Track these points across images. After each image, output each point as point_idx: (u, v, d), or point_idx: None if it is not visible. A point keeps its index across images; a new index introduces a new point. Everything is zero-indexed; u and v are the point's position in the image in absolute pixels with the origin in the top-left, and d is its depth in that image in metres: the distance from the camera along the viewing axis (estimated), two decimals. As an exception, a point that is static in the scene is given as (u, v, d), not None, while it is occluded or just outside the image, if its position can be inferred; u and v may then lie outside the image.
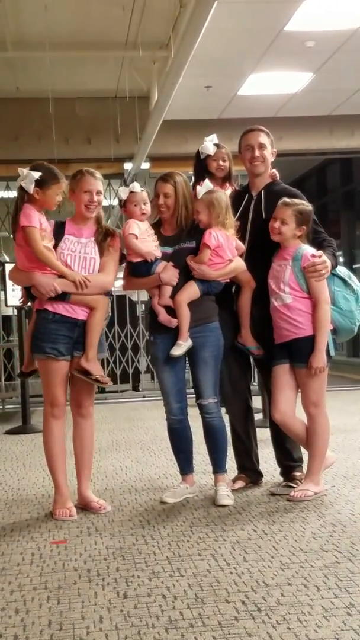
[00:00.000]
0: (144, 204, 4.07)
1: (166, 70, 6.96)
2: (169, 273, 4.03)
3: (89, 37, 7.66)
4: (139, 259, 4.06)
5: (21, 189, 3.92)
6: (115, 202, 10.71)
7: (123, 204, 4.13)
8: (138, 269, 4.10)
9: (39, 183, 3.88)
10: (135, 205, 4.06)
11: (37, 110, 9.14)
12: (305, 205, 4.09)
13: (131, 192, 4.07)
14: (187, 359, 4.15)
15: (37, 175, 3.87)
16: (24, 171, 3.91)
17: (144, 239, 4.04)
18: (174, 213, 4.08)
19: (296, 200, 4.08)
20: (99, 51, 7.90)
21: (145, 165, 9.76)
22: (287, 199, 4.08)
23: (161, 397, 4.28)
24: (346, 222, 14.60)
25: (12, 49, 7.54)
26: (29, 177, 3.87)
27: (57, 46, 7.62)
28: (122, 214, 4.24)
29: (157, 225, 4.17)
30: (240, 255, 4.15)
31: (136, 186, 4.10)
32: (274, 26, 7.02)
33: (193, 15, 5.51)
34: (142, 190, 4.09)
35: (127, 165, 9.85)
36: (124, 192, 4.09)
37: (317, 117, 9.88)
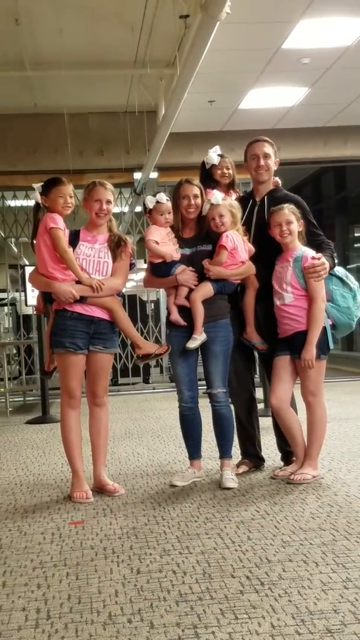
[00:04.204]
0: (168, 213, 4.09)
1: (172, 86, 6.96)
2: (186, 276, 4.05)
3: (100, 57, 7.67)
4: (159, 260, 4.08)
5: (36, 203, 4.08)
6: (126, 209, 10.79)
7: (148, 212, 4.13)
8: (158, 270, 4.12)
9: (43, 192, 4.00)
10: (161, 215, 4.08)
11: (54, 125, 9.16)
12: (292, 202, 4.13)
13: (158, 202, 4.09)
14: (199, 351, 4.16)
15: (39, 186, 4.02)
16: (34, 185, 4.07)
17: (165, 243, 4.07)
18: (199, 213, 4.10)
19: (283, 205, 4.08)
20: (110, 70, 7.91)
21: (154, 175, 9.77)
22: (274, 207, 4.09)
23: (170, 389, 4.32)
24: (340, 226, 14.58)
25: (30, 68, 7.56)
26: (35, 189, 4.04)
27: (71, 65, 7.63)
28: (147, 219, 4.26)
29: (175, 229, 4.17)
30: (251, 257, 4.15)
31: (163, 197, 4.10)
32: (272, 45, 7.02)
33: (197, 35, 5.50)
34: (167, 201, 4.10)
35: (137, 175, 9.86)
36: (150, 202, 4.10)
37: (313, 129, 9.87)
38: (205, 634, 2.26)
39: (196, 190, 4.09)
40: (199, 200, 4.09)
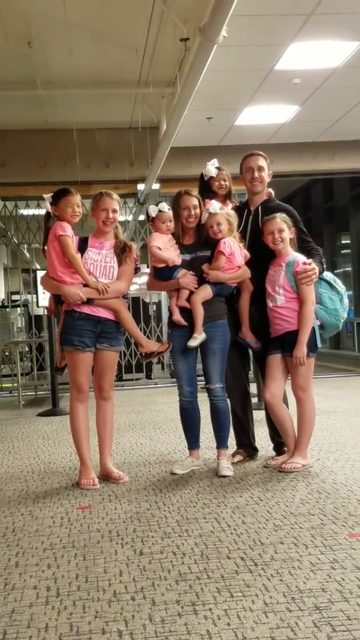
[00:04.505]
0: (170, 221, 4.08)
1: (173, 104, 6.96)
2: (187, 279, 4.05)
3: (107, 77, 7.67)
4: (162, 265, 4.08)
5: (46, 212, 4.07)
6: (130, 218, 10.79)
7: (151, 220, 4.13)
8: (161, 274, 4.12)
9: (53, 202, 4.00)
10: (163, 223, 4.08)
11: (63, 140, 9.16)
12: (284, 211, 4.13)
13: (160, 211, 4.08)
14: (199, 349, 4.16)
15: (49, 196, 4.01)
16: (44, 196, 4.07)
17: (167, 249, 4.07)
18: (198, 222, 4.11)
19: (275, 214, 4.09)
20: (115, 89, 7.91)
21: (156, 186, 9.77)
22: (267, 216, 4.09)
23: (171, 384, 4.32)
24: (328, 234, 14.59)
25: (41, 87, 7.56)
26: (46, 199, 4.03)
27: (79, 85, 7.64)
28: (150, 227, 4.25)
29: (176, 236, 4.17)
30: (246, 262, 4.15)
31: (165, 206, 4.10)
32: (265, 66, 7.02)
33: (196, 57, 5.50)
34: (168, 210, 4.10)
35: (140, 186, 9.86)
36: (153, 211, 4.09)
37: (303, 144, 9.87)
38: (203, 610, 2.26)
39: (195, 201, 4.10)
40: (198, 210, 4.10)
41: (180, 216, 4.10)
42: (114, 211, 4.04)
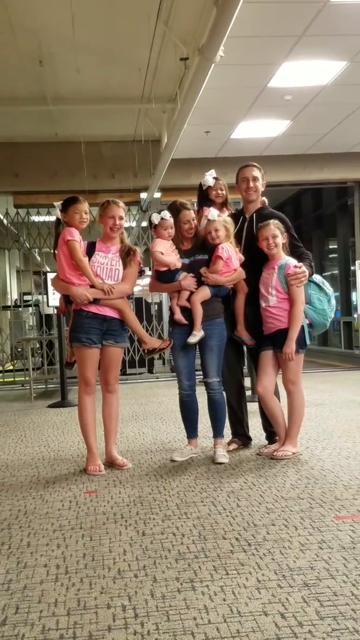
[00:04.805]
0: (171, 228, 4.08)
1: (174, 119, 6.96)
2: (188, 281, 4.06)
3: (112, 93, 7.67)
4: (164, 268, 4.08)
5: (56, 218, 4.07)
6: (134, 224, 10.79)
7: (154, 227, 4.12)
8: (163, 276, 4.12)
9: (62, 209, 4.01)
10: (164, 229, 4.08)
11: (72, 152, 9.16)
12: (277, 218, 4.13)
13: (162, 219, 4.08)
14: (197, 346, 4.16)
15: (59, 204, 4.02)
16: (54, 204, 4.08)
17: (169, 253, 4.07)
18: (195, 232, 4.12)
19: (269, 220, 4.09)
20: (120, 104, 7.91)
21: (157, 195, 9.76)
22: (261, 223, 4.09)
23: (171, 378, 4.31)
24: (317, 239, 14.59)
25: (51, 103, 7.56)
26: (56, 206, 4.04)
27: (87, 101, 7.64)
28: (152, 233, 4.25)
29: (175, 242, 4.17)
30: (241, 265, 4.15)
31: (166, 214, 4.09)
32: (259, 83, 7.02)
33: (195, 75, 5.50)
34: (170, 218, 4.09)
35: (143, 195, 9.86)
36: (156, 218, 4.08)
37: (294, 156, 9.86)
38: (201, 587, 2.27)
39: (193, 214, 4.13)
40: (195, 221, 4.13)
41: (181, 228, 4.11)
42: (120, 218, 4.05)
